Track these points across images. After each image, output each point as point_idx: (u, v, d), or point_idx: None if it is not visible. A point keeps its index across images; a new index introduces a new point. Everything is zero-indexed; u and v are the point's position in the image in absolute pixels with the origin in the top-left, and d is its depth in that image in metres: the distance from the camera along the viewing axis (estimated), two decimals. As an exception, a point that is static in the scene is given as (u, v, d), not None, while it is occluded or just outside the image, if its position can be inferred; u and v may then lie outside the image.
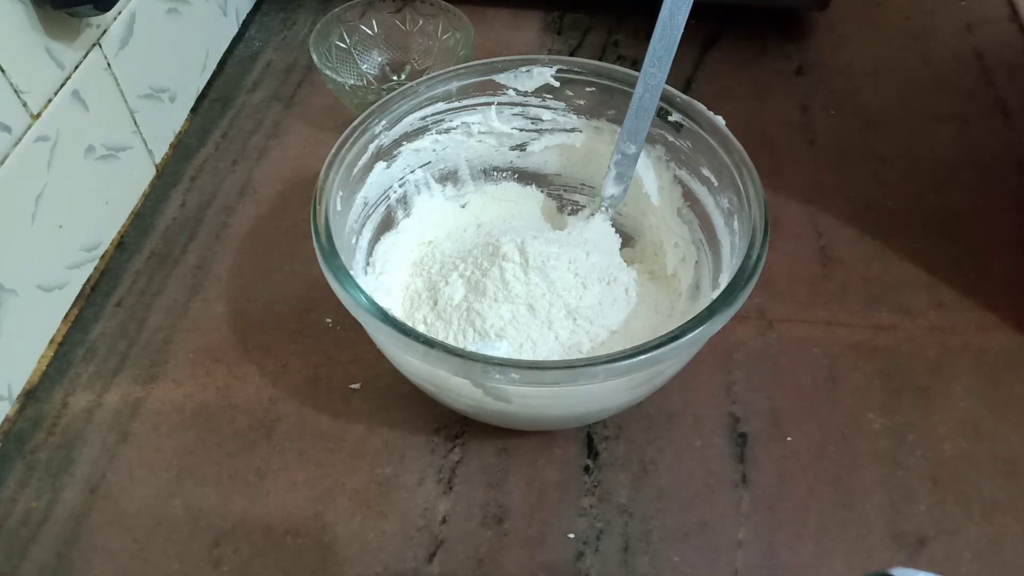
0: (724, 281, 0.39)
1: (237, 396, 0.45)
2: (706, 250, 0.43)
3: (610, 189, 0.46)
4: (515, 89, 0.46)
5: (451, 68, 0.45)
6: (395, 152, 0.45)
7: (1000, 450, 0.43)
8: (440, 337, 0.42)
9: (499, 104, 0.47)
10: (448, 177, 0.49)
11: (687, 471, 0.42)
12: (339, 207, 0.40)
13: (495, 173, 0.50)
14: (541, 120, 0.48)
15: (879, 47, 0.65)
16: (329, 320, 0.48)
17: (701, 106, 0.43)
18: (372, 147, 0.43)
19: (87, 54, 0.47)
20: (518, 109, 0.47)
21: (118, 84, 0.50)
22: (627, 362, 0.33)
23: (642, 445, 0.43)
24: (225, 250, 0.52)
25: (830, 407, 0.44)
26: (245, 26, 0.67)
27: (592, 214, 0.47)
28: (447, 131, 0.47)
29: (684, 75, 0.62)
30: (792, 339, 0.47)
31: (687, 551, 0.39)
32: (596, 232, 0.46)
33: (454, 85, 0.45)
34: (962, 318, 0.48)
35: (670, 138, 0.44)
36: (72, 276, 0.49)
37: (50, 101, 0.44)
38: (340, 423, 0.44)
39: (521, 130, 0.48)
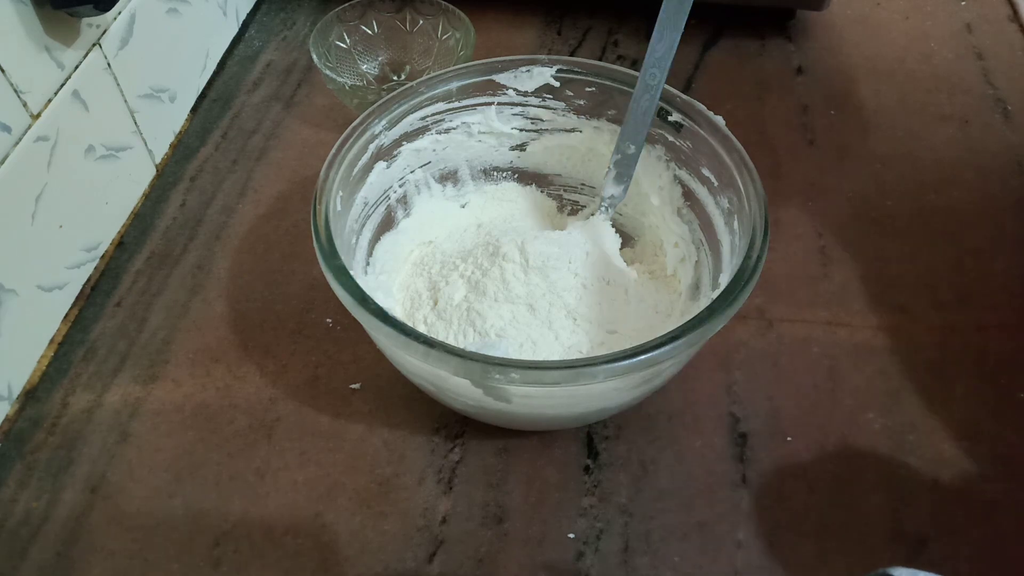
0: (724, 281, 0.39)
1: (237, 396, 0.45)
2: (706, 250, 0.43)
3: (610, 189, 0.46)
4: (515, 89, 0.46)
5: (451, 68, 0.45)
6: (395, 152, 0.45)
7: (1000, 450, 0.43)
8: (440, 337, 0.42)
9: (499, 104, 0.47)
10: (448, 177, 0.49)
11: (687, 471, 0.42)
12: (339, 207, 0.40)
13: (495, 173, 0.50)
14: (541, 120, 0.48)
15: (879, 47, 0.65)
16: (329, 320, 0.48)
17: (701, 106, 0.43)
18: (372, 147, 0.43)
19: (87, 54, 0.47)
20: (518, 109, 0.47)
21: (118, 84, 0.50)
22: (627, 362, 0.33)
23: (642, 445, 0.43)
24: (225, 250, 0.52)
25: (830, 407, 0.44)
26: (245, 26, 0.67)
27: (592, 214, 0.47)
28: (447, 131, 0.47)
29: (684, 75, 0.62)
30: (792, 339, 0.47)
31: (687, 551, 0.39)
32: (596, 232, 0.46)
33: (454, 85, 0.45)
34: (962, 318, 0.48)
35: (670, 138, 0.44)
36: (72, 276, 0.49)
37: (50, 101, 0.44)
38: (340, 423, 0.44)
39: (521, 130, 0.48)
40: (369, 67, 0.60)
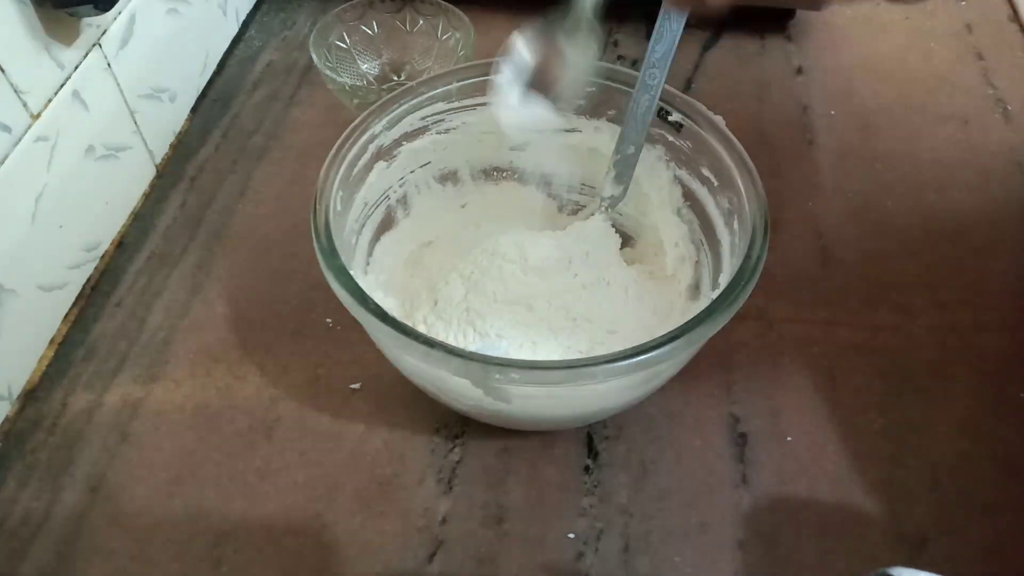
0: (724, 281, 0.39)
1: (237, 396, 0.45)
2: (706, 250, 0.43)
3: (610, 189, 0.46)
4: (515, 89, 0.46)
5: (451, 68, 0.45)
6: (395, 152, 0.45)
7: (1000, 450, 0.43)
8: (440, 337, 0.42)
9: (499, 104, 0.47)
10: (448, 177, 0.49)
11: (687, 471, 0.42)
12: (339, 207, 0.40)
13: (495, 173, 0.50)
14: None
15: (879, 47, 0.65)
16: (329, 320, 0.48)
17: (701, 106, 0.43)
18: (372, 147, 0.43)
19: (87, 54, 0.47)
20: (518, 109, 0.47)
21: (118, 84, 0.50)
22: (627, 362, 0.33)
23: (642, 445, 0.43)
24: (225, 250, 0.52)
25: (830, 407, 0.44)
26: (245, 26, 0.67)
27: (592, 214, 0.47)
28: (447, 131, 0.47)
29: (684, 75, 0.62)
30: (792, 339, 0.47)
31: (687, 551, 0.39)
32: (596, 232, 0.46)
33: (454, 85, 0.45)
34: (962, 318, 0.48)
35: (670, 138, 0.44)
36: (72, 276, 0.49)
37: (50, 101, 0.44)
38: (340, 423, 0.44)
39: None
40: (369, 67, 0.60)
